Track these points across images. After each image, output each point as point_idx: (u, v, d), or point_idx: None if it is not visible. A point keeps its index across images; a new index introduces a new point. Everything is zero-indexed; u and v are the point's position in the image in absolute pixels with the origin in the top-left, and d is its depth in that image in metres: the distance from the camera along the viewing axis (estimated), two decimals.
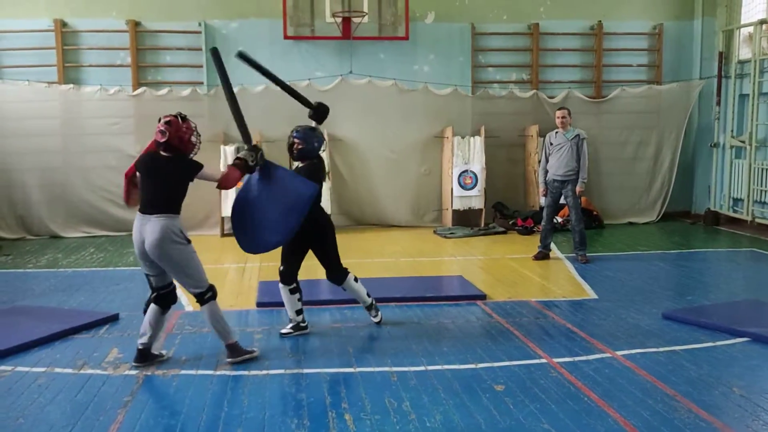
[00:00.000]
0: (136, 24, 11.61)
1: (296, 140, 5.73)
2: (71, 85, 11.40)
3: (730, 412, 4.32)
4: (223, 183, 5.22)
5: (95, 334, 6.01)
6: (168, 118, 5.11)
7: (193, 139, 5.17)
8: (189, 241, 5.14)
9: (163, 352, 5.44)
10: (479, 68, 12.45)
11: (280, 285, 5.91)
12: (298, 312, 5.94)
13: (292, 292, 5.90)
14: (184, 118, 5.16)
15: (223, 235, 11.32)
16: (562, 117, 9.06)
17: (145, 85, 11.60)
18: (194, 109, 11.49)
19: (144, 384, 4.84)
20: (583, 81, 12.60)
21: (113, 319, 6.43)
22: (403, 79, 12.03)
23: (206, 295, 5.19)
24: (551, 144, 9.09)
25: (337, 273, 5.95)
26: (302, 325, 5.96)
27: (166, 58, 11.84)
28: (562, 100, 12.15)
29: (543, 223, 9.24)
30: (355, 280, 6.06)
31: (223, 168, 11.23)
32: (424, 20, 12.19)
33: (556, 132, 9.12)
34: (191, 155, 5.19)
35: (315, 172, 5.73)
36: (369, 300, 6.19)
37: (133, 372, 5.07)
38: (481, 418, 4.21)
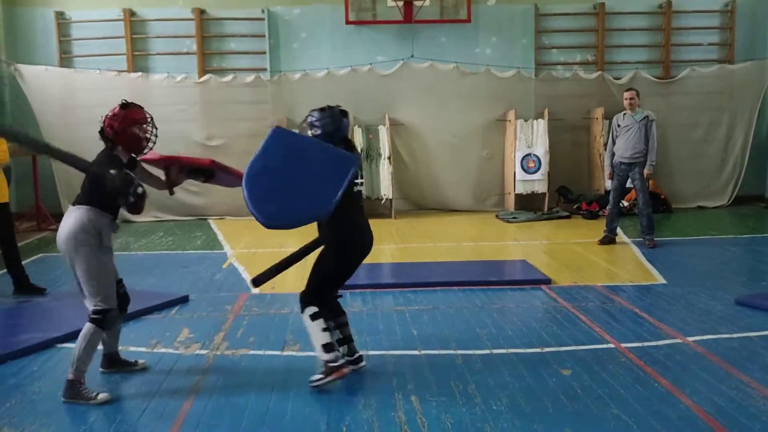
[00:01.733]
0: (201, 12, 11.82)
1: (309, 127, 4.64)
2: (140, 73, 11.69)
3: None
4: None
5: (166, 315, 6.18)
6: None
7: (133, 130, 4.46)
8: (105, 243, 4.49)
9: (140, 360, 4.87)
10: (542, 50, 12.27)
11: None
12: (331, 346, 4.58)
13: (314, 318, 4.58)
14: (124, 106, 4.48)
15: None
16: (630, 98, 8.86)
17: (211, 72, 11.82)
18: (258, 95, 11.76)
19: (214, 363, 4.96)
20: (651, 61, 12.30)
21: (183, 300, 6.60)
22: (465, 62, 11.95)
23: (97, 315, 4.36)
24: (619, 126, 8.90)
25: (305, 297, 4.61)
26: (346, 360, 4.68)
27: (230, 45, 12.03)
28: (628, 81, 11.88)
29: (609, 206, 9.07)
30: (315, 317, 4.53)
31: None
32: (486, 2, 12.05)
33: (624, 114, 8.92)
34: (130, 150, 4.53)
35: None
36: (327, 340, 4.54)
37: (204, 352, 5.19)
38: (549, 402, 4.18)
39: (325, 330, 4.52)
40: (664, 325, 5.62)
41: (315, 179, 4.29)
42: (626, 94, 8.97)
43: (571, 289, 6.83)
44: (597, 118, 11.87)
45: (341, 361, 4.53)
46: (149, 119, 4.59)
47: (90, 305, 4.41)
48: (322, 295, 4.61)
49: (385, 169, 11.54)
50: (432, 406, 4.16)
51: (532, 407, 4.12)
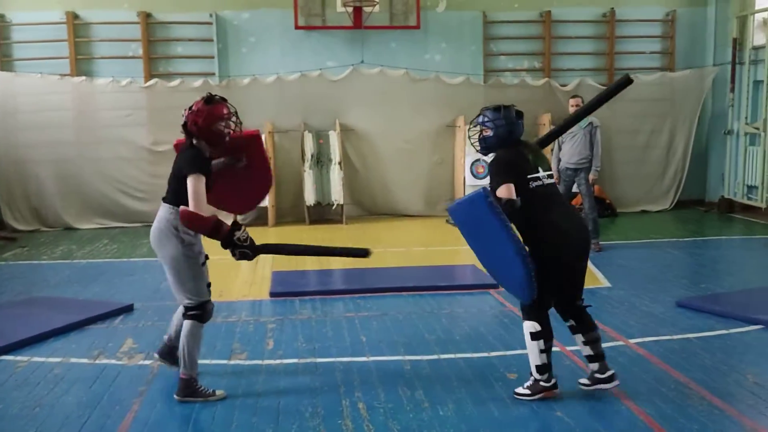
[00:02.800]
0: (148, 15, 11.64)
1: (480, 128, 4.37)
2: (83, 77, 11.45)
3: (744, 399, 4.30)
4: (187, 215, 4.17)
5: (110, 325, 6.06)
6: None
7: (218, 127, 4.35)
8: (195, 251, 4.37)
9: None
10: (491, 57, 12.40)
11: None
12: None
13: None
14: (208, 101, 4.38)
15: None
16: (576, 105, 9.02)
17: (157, 77, 11.64)
18: None
19: (159, 374, 4.87)
20: (596, 68, 12.53)
21: (128, 309, 6.48)
22: (415, 68, 12.00)
23: (193, 311, 4.41)
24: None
25: (526, 309, 4.32)
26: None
27: (177, 50, 11.87)
28: (574, 88, 12.08)
29: None
30: (535, 337, 4.28)
31: None
32: (435, 9, 12.13)
33: None
34: (212, 144, 4.39)
35: (495, 169, 4.21)
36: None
37: (148, 362, 5.10)
38: (494, 407, 4.22)
39: (543, 352, 4.24)
40: (608, 328, 5.72)
41: (490, 244, 4.06)
42: (572, 101, 9.14)
43: None
44: (544, 125, 12.04)
45: (552, 382, 4.29)
46: (233, 113, 4.47)
47: (182, 302, 4.45)
48: (543, 307, 4.25)
49: (335, 175, 11.52)
50: (379, 413, 4.16)
51: (479, 412, 4.16)
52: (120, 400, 4.41)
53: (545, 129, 11.97)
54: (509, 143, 4.28)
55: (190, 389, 4.38)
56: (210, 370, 4.92)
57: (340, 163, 11.49)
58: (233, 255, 4.22)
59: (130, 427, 4.03)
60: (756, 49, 11.81)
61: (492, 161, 4.29)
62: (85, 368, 4.98)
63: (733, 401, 4.26)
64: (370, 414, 4.14)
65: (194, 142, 4.39)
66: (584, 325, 4.32)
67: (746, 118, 11.93)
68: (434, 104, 12.04)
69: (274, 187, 11.26)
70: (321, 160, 11.61)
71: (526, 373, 4.72)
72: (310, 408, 4.25)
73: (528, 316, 4.26)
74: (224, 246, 4.21)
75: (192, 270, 4.37)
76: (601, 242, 9.12)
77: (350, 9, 11.52)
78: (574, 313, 4.32)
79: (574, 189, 9.23)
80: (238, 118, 4.51)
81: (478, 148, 4.43)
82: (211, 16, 11.76)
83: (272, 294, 6.99)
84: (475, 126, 4.40)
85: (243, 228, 4.23)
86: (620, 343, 5.35)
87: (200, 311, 4.41)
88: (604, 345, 5.23)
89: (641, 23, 12.56)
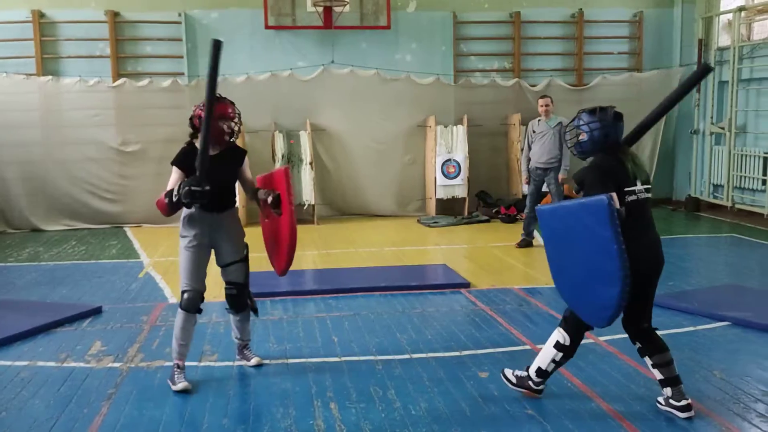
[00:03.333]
0: (115, 14, 11.49)
1: (576, 132, 4.20)
2: (50, 77, 11.27)
3: (712, 395, 4.37)
4: (156, 205, 4.52)
5: (78, 327, 5.97)
6: None
7: (219, 124, 4.49)
8: (188, 237, 4.58)
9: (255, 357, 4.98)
10: (461, 57, 12.45)
11: None
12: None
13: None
14: (217, 100, 4.42)
15: None
16: (545, 105, 9.11)
17: (126, 76, 11.50)
18: (175, 100, 11.50)
19: (128, 376, 4.82)
20: (565, 69, 12.64)
21: (96, 312, 6.39)
22: (386, 68, 12.01)
23: (181, 298, 4.61)
24: (534, 132, 9.14)
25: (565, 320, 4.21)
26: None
27: (146, 49, 11.74)
28: (543, 89, 12.18)
29: (526, 210, 9.28)
30: (558, 347, 4.21)
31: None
32: (405, 9, 12.15)
33: (539, 120, 9.17)
34: (213, 141, 4.48)
35: (592, 177, 3.95)
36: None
37: (117, 364, 5.04)
38: (466, 405, 4.24)
39: (554, 362, 4.16)
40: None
41: (589, 255, 3.78)
42: (541, 101, 9.21)
43: (489, 292, 6.95)
44: (514, 124, 12.13)
45: (540, 388, 4.27)
46: (237, 114, 4.65)
47: None
48: (586, 326, 4.08)
49: (307, 175, 11.48)
50: (351, 412, 4.16)
51: (450, 411, 4.17)
52: (88, 403, 4.35)
53: (515, 129, 12.07)
54: (606, 148, 4.04)
55: (171, 374, 4.62)
56: None
57: (311, 164, 11.46)
58: (187, 205, 4.36)
59: (99, 429, 3.98)
60: (721, 50, 12.00)
61: (588, 168, 4.03)
62: (53, 371, 4.91)
63: (701, 397, 4.32)
64: (341, 414, 4.14)
65: (193, 139, 4.58)
66: (652, 347, 4.10)
67: (712, 118, 12.12)
68: (405, 104, 12.05)
69: None
70: (292, 161, 11.57)
71: (497, 371, 4.76)
72: (281, 409, 4.23)
73: (566, 325, 4.12)
74: (180, 204, 4.35)
75: (182, 259, 4.63)
76: (533, 236, 9.28)
77: (320, 9, 11.48)
78: (641, 336, 4.13)
79: (544, 188, 9.30)
80: (240, 122, 4.70)
81: (575, 152, 4.22)
82: (179, 15, 11.65)
83: None
84: (571, 129, 4.24)
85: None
86: (590, 340, 5.39)
87: (181, 298, 4.61)
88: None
89: (609, 24, 12.70)
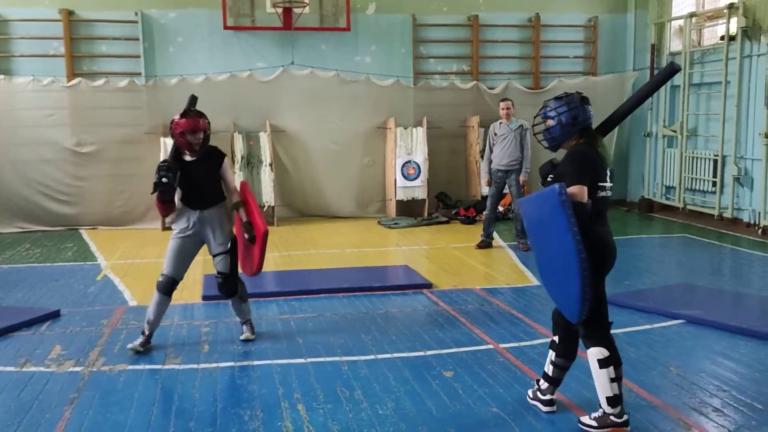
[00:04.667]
0: (70, 13, 11.30)
1: (543, 120, 4.07)
2: (2, 76, 11.03)
3: (669, 391, 4.50)
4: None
5: (36, 332, 5.86)
6: None
7: (179, 138, 5.21)
8: (175, 229, 5.39)
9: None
10: (420, 59, 12.55)
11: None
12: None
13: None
14: (183, 114, 5.23)
15: (164, 228, 11.13)
16: (507, 108, 9.21)
17: (81, 76, 11.31)
18: (132, 100, 11.38)
19: (90, 380, 4.75)
20: (522, 72, 12.83)
21: (54, 315, 6.28)
22: (345, 70, 12.03)
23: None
24: (495, 134, 9.24)
25: (589, 333, 4.01)
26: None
27: (101, 48, 11.56)
28: (502, 91, 12.35)
29: (486, 212, 9.37)
30: (605, 364, 3.93)
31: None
32: (365, 11, 12.20)
33: (500, 122, 9.28)
34: (183, 150, 5.26)
35: (573, 163, 3.84)
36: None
37: (78, 369, 4.97)
38: (432, 404, 4.29)
39: (613, 381, 3.84)
40: (538, 325, 5.89)
41: (554, 249, 3.72)
42: (503, 104, 9.32)
43: (451, 293, 7.02)
44: (473, 126, 12.26)
45: (625, 418, 3.88)
46: (206, 125, 5.26)
47: None
48: (605, 327, 3.96)
49: (266, 176, 11.44)
50: (319, 413, 4.17)
51: (417, 410, 4.22)
52: (50, 408, 4.28)
53: (474, 131, 12.20)
54: (576, 131, 3.89)
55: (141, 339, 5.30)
56: (144, 375, 4.84)
57: (270, 165, 11.42)
58: (159, 189, 5.07)
59: None
60: (673, 54, 12.31)
61: (569, 155, 3.90)
62: (12, 376, 4.82)
63: (658, 392, 4.45)
64: (309, 415, 4.15)
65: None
66: (566, 351, 4.09)
67: (664, 121, 12.43)
68: (365, 106, 12.09)
69: None
70: (251, 162, 11.51)
71: (461, 370, 4.84)
72: (248, 411, 4.22)
73: (592, 341, 3.89)
74: (158, 186, 5.07)
75: (168, 248, 5.37)
76: (493, 237, 9.44)
77: (280, 10, 11.46)
78: (566, 336, 4.08)
79: (505, 190, 9.43)
80: (206, 132, 5.26)
81: (546, 145, 4.07)
82: (136, 14, 11.50)
83: (205, 297, 6.89)
84: (538, 122, 4.09)
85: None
86: (550, 339, 5.48)
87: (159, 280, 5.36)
88: (535, 342, 5.44)
89: (565, 28, 12.93)
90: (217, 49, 11.74)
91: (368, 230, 11.12)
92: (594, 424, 3.91)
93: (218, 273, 5.43)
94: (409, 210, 12.14)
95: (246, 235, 5.35)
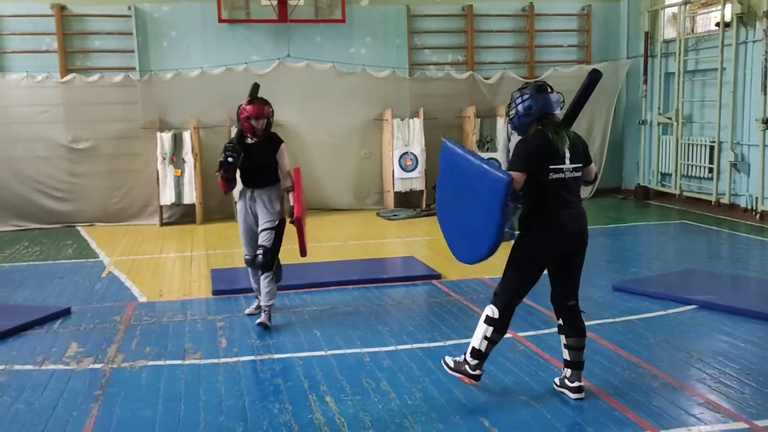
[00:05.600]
0: (62, 8, 11.16)
1: (507, 109, 4.31)
2: None
3: (693, 375, 4.54)
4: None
5: (49, 329, 5.81)
6: None
7: (243, 123, 5.64)
8: (237, 207, 5.94)
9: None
10: (415, 50, 12.52)
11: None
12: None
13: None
14: (248, 101, 5.69)
15: (162, 224, 11.06)
16: None
17: (74, 72, 11.19)
18: (127, 95, 11.29)
19: (112, 377, 4.72)
20: (517, 61, 12.83)
21: (65, 313, 6.22)
22: (341, 62, 11.98)
23: None
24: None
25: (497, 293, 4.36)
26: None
27: (95, 44, 11.45)
28: (497, 81, 12.38)
29: None
30: (488, 321, 4.27)
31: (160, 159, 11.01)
32: (359, 3, 12.14)
33: None
34: (247, 135, 5.70)
35: (519, 149, 4.07)
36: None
37: (98, 365, 4.94)
38: (460, 394, 4.30)
39: (486, 339, 4.18)
40: (552, 313, 5.87)
41: (473, 211, 4.02)
42: None
43: (460, 283, 7.03)
44: (469, 117, 12.26)
45: (477, 373, 4.24)
46: (270, 113, 5.71)
47: None
48: (513, 298, 4.25)
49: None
50: (348, 405, 4.17)
51: (446, 399, 4.23)
52: (76, 405, 4.25)
53: (470, 121, 12.20)
54: (532, 120, 4.07)
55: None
56: (166, 371, 4.81)
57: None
58: (223, 167, 5.59)
59: (93, 431, 3.91)
60: (667, 42, 12.37)
61: (517, 143, 4.17)
62: (32, 375, 4.78)
63: (682, 377, 4.49)
64: (339, 407, 4.14)
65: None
66: (572, 329, 4.23)
67: (659, 108, 12.48)
68: (361, 98, 12.05)
69: (201, 184, 11.05)
70: None
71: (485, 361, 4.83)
72: (277, 404, 4.21)
73: (495, 300, 4.24)
74: (222, 165, 5.60)
75: (239, 228, 5.88)
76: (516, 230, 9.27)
77: (275, 2, 11.38)
78: (566, 314, 4.26)
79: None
80: (269, 119, 5.70)
81: (515, 131, 4.28)
82: (129, 9, 11.38)
83: (215, 292, 6.86)
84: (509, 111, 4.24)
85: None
86: (558, 322, 5.52)
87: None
88: (553, 330, 5.41)
89: (559, 17, 12.94)
90: (211, 42, 11.64)
91: (368, 222, 11.10)
92: (450, 364, 4.38)
93: (260, 246, 5.66)
94: (407, 201, 12.14)
95: (288, 219, 5.74)
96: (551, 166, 3.97)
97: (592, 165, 4.26)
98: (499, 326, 4.20)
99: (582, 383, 4.23)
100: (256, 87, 5.92)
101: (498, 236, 3.91)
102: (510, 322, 4.28)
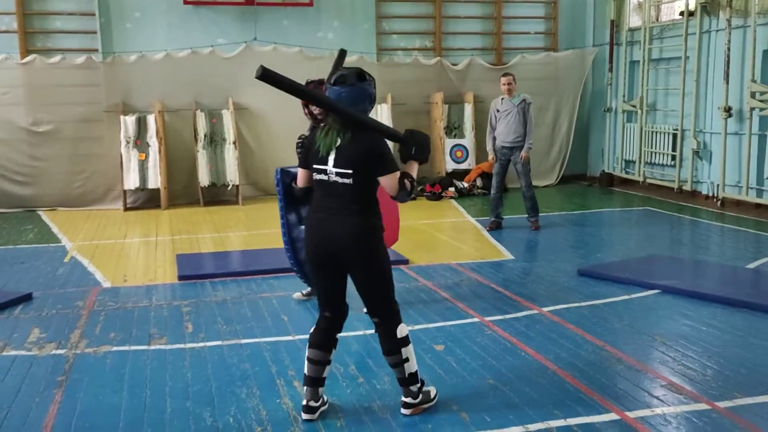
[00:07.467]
0: None
1: None
2: None
3: (657, 357, 4.61)
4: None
5: (9, 315, 5.69)
6: None
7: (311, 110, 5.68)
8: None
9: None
10: (383, 35, 12.48)
11: None
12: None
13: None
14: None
15: (126, 209, 10.91)
16: (508, 83, 8.77)
17: (35, 53, 10.93)
18: (89, 77, 11.07)
19: (76, 363, 4.64)
20: (485, 48, 12.87)
21: (26, 298, 6.10)
22: (308, 46, 11.88)
23: None
24: (498, 111, 8.84)
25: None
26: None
27: (56, 24, 11.20)
28: (465, 67, 12.39)
29: (492, 191, 9.01)
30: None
31: (124, 142, 10.81)
32: None
33: (502, 98, 8.85)
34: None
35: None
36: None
37: (61, 351, 4.85)
38: (428, 378, 4.30)
39: (307, 358, 3.92)
40: (520, 298, 5.96)
41: None
42: (503, 80, 8.86)
43: (428, 268, 7.06)
44: (437, 103, 12.27)
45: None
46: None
47: None
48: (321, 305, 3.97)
49: (230, 155, 11.27)
50: None
51: None
52: (39, 392, 4.17)
53: (438, 107, 12.22)
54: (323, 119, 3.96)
55: None
56: (130, 356, 4.75)
57: (234, 143, 11.25)
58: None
59: (56, 419, 3.84)
60: (632, 30, 12.49)
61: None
62: None
63: (645, 360, 4.56)
64: None
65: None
66: (381, 345, 3.93)
67: (624, 96, 12.62)
68: None
69: (166, 169, 10.91)
70: (215, 140, 11.33)
71: (451, 343, 4.88)
72: (245, 389, 4.19)
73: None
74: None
75: None
76: (502, 217, 9.08)
77: None
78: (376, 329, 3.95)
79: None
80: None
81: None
82: None
83: (180, 277, 6.79)
84: None
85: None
86: (535, 311, 5.59)
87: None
88: (520, 314, 5.51)
89: (526, 4, 13.01)
90: (176, 25, 11.46)
91: None
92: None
93: None
94: None
95: None
96: (314, 166, 3.78)
97: (385, 178, 3.73)
98: (311, 338, 3.97)
99: (408, 400, 3.84)
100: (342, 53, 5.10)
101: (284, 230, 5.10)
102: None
